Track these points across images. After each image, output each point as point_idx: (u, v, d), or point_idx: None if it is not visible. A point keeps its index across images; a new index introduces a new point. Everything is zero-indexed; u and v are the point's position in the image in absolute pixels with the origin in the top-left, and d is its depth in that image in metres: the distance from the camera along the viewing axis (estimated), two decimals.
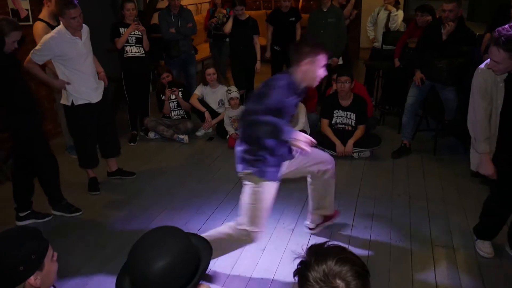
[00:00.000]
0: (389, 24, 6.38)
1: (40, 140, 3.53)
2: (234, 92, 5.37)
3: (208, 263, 1.41)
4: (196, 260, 1.37)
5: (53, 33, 3.67)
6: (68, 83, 3.76)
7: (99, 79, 4.00)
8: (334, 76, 4.92)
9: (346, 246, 1.23)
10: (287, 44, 6.14)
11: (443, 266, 2.95)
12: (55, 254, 1.62)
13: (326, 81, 6.29)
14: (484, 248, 3.05)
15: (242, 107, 5.40)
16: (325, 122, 4.88)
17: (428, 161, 4.62)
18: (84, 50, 3.79)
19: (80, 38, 3.74)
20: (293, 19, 6.09)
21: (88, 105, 3.87)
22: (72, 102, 3.82)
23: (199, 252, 1.40)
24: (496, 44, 2.46)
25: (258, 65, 6.07)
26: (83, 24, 3.83)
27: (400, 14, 6.46)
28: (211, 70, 5.60)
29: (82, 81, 3.80)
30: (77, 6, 3.58)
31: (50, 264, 1.56)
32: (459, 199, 3.82)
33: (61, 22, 3.66)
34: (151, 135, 5.56)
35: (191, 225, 3.50)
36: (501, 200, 2.93)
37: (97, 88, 3.94)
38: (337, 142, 4.72)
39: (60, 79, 3.78)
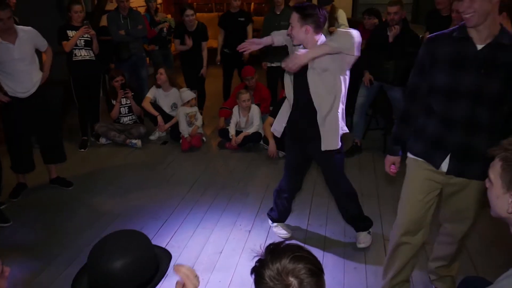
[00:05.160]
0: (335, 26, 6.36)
1: None
2: (189, 92, 5.38)
3: (168, 265, 1.44)
4: (156, 262, 1.41)
5: None
6: None
7: (41, 83, 3.95)
8: None
9: (302, 244, 1.26)
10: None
11: None
12: (7, 269, 1.55)
13: (281, 84, 6.34)
14: (280, 230, 3.40)
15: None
16: (271, 121, 4.89)
17: (378, 159, 4.76)
18: (17, 55, 3.73)
19: (13, 43, 3.70)
20: (242, 19, 6.11)
21: (16, 99, 3.82)
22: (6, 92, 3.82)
23: (159, 258, 1.44)
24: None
25: (203, 71, 6.08)
26: (26, 28, 3.81)
27: (340, 13, 6.21)
28: (161, 70, 5.54)
29: (9, 81, 3.77)
30: (6, 9, 3.61)
31: None
32: None
33: None
34: (103, 140, 5.42)
35: (146, 231, 3.43)
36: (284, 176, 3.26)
37: (26, 92, 3.84)
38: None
39: None
